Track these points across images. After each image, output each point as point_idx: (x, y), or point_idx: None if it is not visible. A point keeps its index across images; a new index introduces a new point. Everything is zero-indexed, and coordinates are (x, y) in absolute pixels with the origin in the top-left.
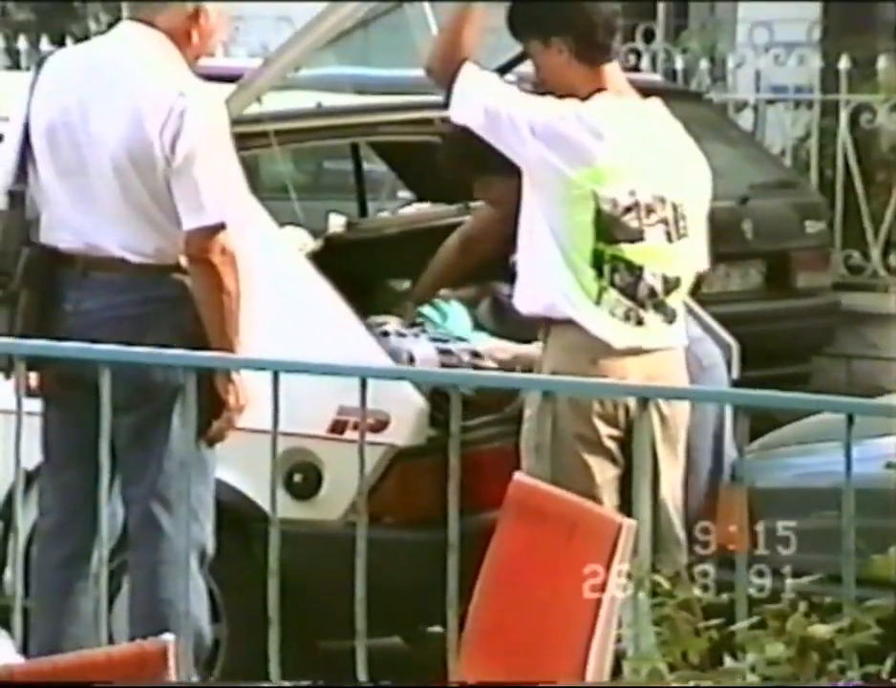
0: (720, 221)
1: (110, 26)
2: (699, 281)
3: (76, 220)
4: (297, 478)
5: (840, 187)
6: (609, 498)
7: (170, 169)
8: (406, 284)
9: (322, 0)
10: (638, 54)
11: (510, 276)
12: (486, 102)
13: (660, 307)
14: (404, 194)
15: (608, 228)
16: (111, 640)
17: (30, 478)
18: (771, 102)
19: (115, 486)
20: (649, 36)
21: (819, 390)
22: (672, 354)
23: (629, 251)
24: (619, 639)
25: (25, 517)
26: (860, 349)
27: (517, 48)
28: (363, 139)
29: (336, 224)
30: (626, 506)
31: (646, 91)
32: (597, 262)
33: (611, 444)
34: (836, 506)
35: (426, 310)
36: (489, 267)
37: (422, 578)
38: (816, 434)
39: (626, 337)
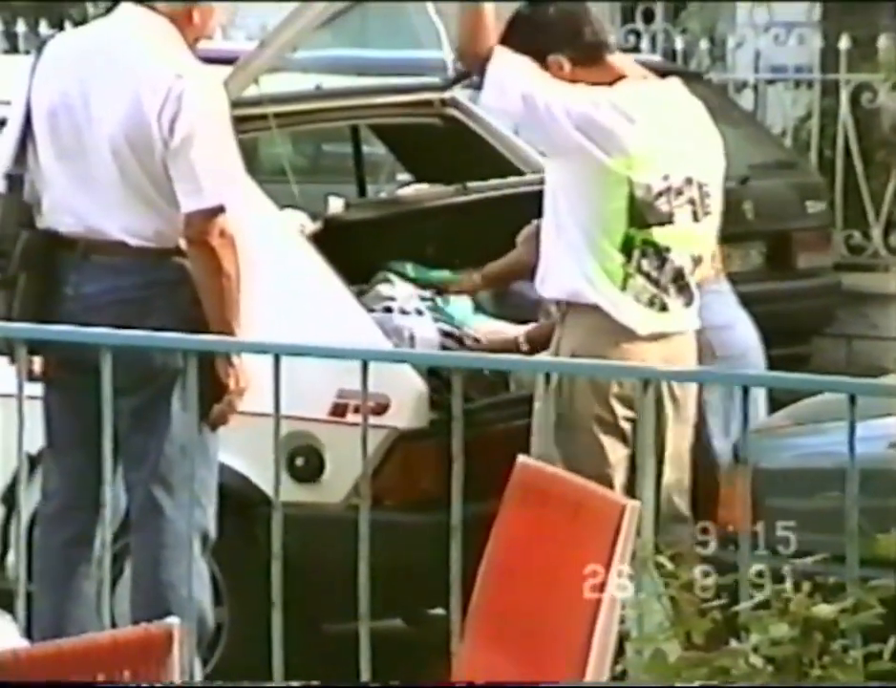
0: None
1: (108, 10)
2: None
3: (77, 203)
4: (299, 461)
5: (840, 167)
6: (619, 478)
7: (168, 152)
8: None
9: None
10: (638, 35)
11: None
12: (523, 88)
13: (683, 289)
14: (403, 176)
15: (642, 213)
16: (113, 623)
17: (32, 462)
18: (771, 82)
19: (117, 470)
20: (648, 17)
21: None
22: (688, 336)
23: (658, 234)
24: (623, 620)
25: (27, 501)
26: (861, 329)
27: None
28: (362, 121)
29: (336, 206)
30: (632, 487)
31: (654, 72)
32: (627, 247)
33: (626, 425)
34: (839, 487)
35: (427, 292)
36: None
37: (425, 561)
38: (818, 415)
39: (650, 323)
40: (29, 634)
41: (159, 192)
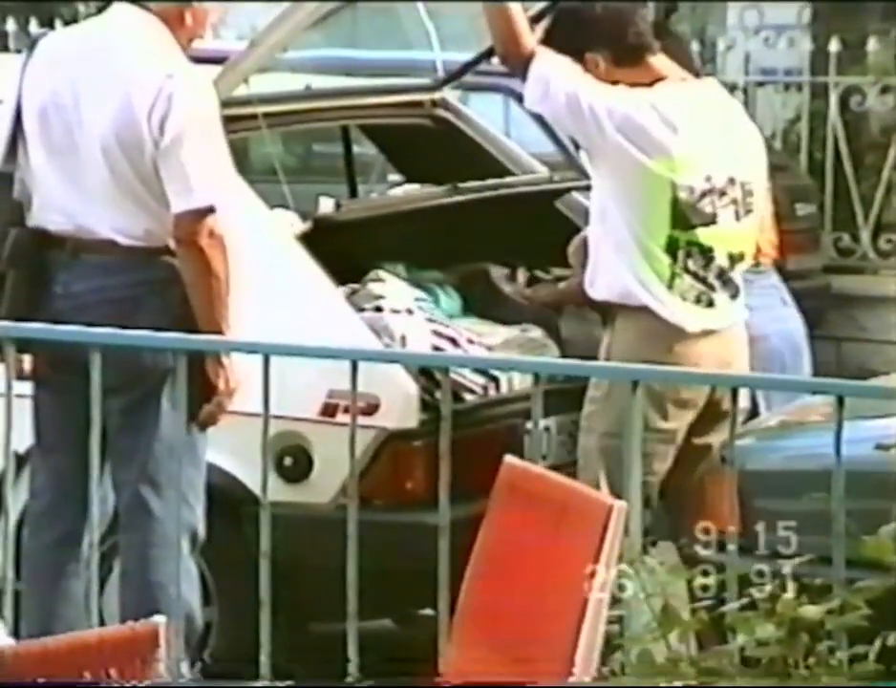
0: None
1: (100, 9)
2: None
3: (66, 202)
4: (287, 461)
5: (830, 170)
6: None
7: (158, 152)
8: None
9: None
10: None
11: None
12: (567, 89)
13: (727, 283)
14: (394, 177)
15: (685, 215)
16: (102, 623)
17: (20, 461)
18: (761, 85)
19: (105, 469)
20: None
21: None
22: (737, 330)
23: (702, 235)
24: (610, 621)
25: (15, 500)
26: (850, 331)
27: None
28: (352, 121)
29: (326, 206)
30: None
31: None
32: (672, 248)
33: (680, 432)
34: (826, 488)
35: (419, 293)
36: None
37: (413, 561)
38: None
39: (698, 320)
40: (16, 633)
41: (149, 191)
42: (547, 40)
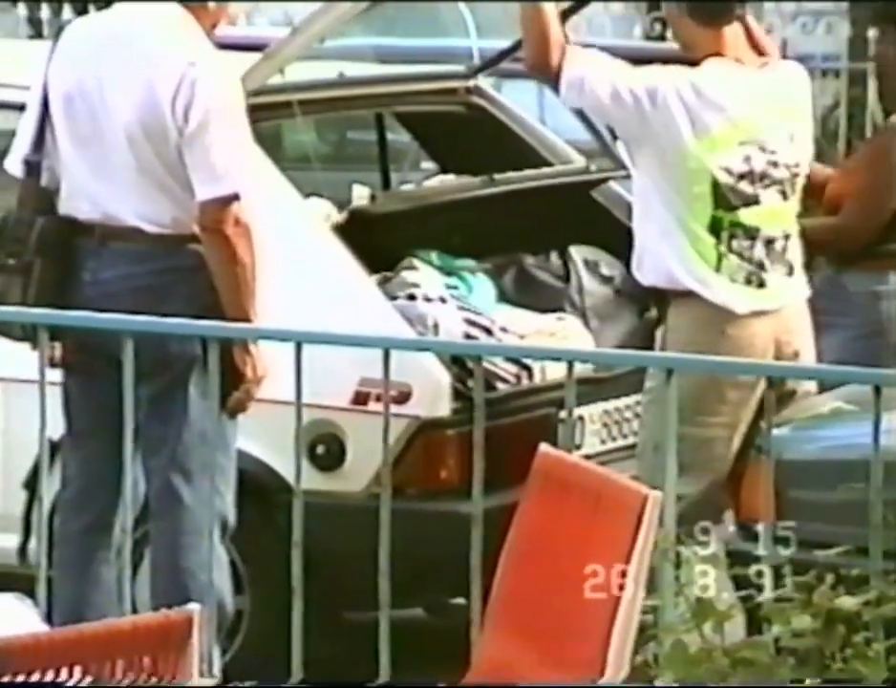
0: None
1: None
2: None
3: (94, 189)
4: (320, 449)
5: None
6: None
7: (182, 139)
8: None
9: None
10: (664, 24)
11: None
12: (603, 82)
13: (779, 261)
14: (427, 164)
15: (725, 196)
16: (134, 610)
17: (54, 448)
18: None
19: (136, 457)
20: None
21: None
22: (796, 308)
23: (745, 215)
24: (644, 611)
25: (49, 487)
26: None
27: None
28: (386, 109)
29: (360, 194)
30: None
31: (676, 60)
32: (715, 229)
33: (744, 416)
34: (863, 478)
35: (452, 280)
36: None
37: (446, 550)
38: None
39: (749, 301)
40: (49, 619)
41: (174, 179)
42: None
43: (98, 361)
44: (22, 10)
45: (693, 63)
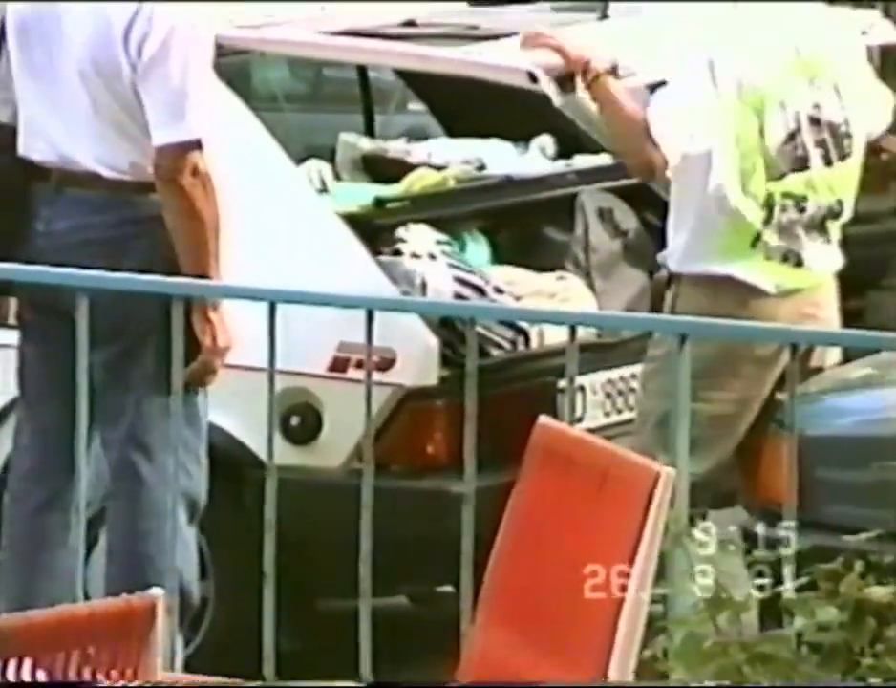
0: None
1: None
2: None
3: (49, 128)
4: (294, 421)
5: None
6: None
7: (136, 75)
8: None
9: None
10: None
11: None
12: (685, 134)
13: (820, 234)
14: (414, 106)
15: (772, 164)
16: (87, 598)
17: (2, 413)
18: None
19: (95, 428)
20: None
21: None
22: (824, 288)
23: (793, 183)
24: (653, 600)
25: None
26: None
27: None
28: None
29: (348, 142)
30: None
31: None
32: (768, 203)
33: (761, 392)
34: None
35: (443, 236)
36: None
37: (432, 533)
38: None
39: (782, 281)
40: None
41: (132, 120)
42: None
43: (52, 322)
44: None
45: None
